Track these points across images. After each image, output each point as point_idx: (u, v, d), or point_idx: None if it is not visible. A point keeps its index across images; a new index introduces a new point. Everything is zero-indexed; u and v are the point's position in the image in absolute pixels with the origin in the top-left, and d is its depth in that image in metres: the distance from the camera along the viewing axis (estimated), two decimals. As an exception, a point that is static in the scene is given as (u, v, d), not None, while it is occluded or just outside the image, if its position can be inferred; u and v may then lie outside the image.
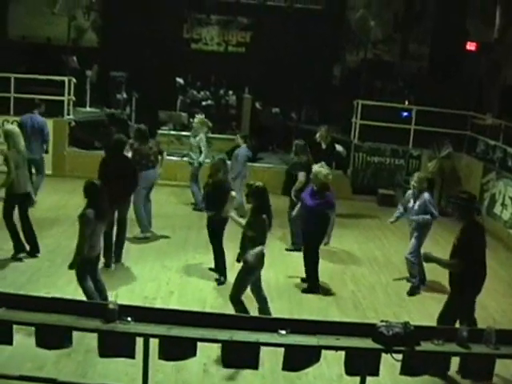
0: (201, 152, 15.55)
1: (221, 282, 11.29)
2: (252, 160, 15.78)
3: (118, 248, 11.77)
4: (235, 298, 8.94)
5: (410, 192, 11.77)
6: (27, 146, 12.37)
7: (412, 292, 11.51)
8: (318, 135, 15.11)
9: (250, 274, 8.99)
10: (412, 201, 11.57)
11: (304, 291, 11.24)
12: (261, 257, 8.93)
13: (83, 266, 9.00)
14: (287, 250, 13.37)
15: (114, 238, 11.60)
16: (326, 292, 11.28)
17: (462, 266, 8.28)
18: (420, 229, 11.52)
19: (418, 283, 11.59)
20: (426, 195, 11.46)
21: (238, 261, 9.27)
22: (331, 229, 11.23)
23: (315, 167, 11.53)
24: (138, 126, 14.02)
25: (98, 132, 18.84)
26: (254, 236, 8.90)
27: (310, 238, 11.30)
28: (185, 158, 16.62)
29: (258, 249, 8.81)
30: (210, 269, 11.73)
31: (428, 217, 11.31)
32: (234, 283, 9.15)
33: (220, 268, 11.46)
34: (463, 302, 8.54)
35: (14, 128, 12.06)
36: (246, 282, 9.05)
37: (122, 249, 11.88)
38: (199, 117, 16.42)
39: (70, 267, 9.01)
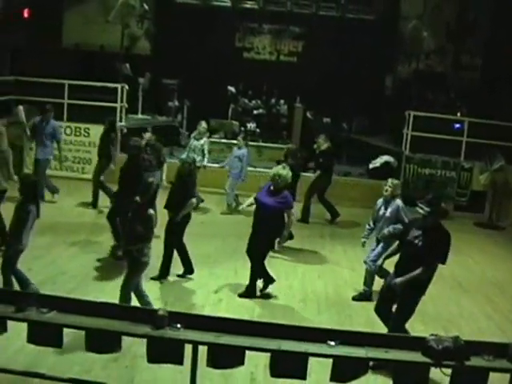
0: (204, 155, 15.92)
1: (184, 275, 11.57)
2: (303, 170, 15.83)
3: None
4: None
5: (380, 200, 11.33)
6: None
7: (359, 299, 11.36)
8: (316, 145, 16.05)
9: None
10: (383, 208, 11.17)
11: (241, 295, 11.12)
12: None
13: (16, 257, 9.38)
14: None
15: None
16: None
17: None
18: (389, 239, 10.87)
19: (369, 293, 11.37)
20: (399, 201, 11.05)
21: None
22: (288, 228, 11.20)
23: (277, 168, 11.28)
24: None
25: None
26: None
27: (266, 238, 11.07)
28: (215, 165, 16.76)
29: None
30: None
31: (400, 227, 10.54)
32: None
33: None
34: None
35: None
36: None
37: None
38: (203, 124, 16.56)
39: None
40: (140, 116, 21.11)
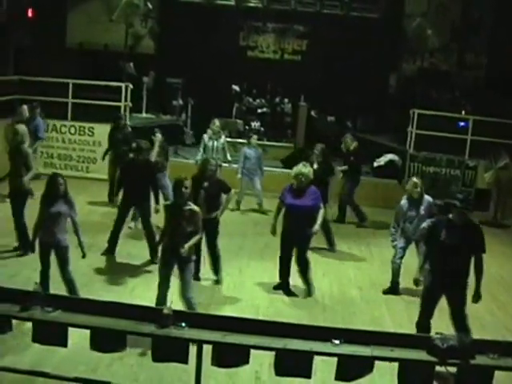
0: (225, 154, 16.07)
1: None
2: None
3: (151, 251, 12.21)
4: None
5: (404, 201, 11.36)
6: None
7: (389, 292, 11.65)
8: (343, 145, 15.79)
9: None
10: (412, 208, 11.22)
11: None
12: None
13: None
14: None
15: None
16: (380, 304, 11.21)
17: None
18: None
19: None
20: (428, 197, 11.28)
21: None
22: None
23: (298, 167, 11.21)
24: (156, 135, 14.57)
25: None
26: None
27: (308, 239, 11.12)
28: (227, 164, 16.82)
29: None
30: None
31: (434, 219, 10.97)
32: None
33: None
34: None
35: (17, 126, 12.54)
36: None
37: (156, 251, 11.94)
38: (217, 121, 16.56)
39: None
40: (144, 115, 21.14)
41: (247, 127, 20.91)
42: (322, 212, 11.08)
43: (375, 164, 18.46)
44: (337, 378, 6.38)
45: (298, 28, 24.30)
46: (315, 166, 13.06)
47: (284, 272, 11.26)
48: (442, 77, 22.64)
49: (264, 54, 24.57)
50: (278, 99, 22.84)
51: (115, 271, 11.56)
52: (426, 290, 9.10)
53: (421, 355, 6.43)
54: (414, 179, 11.51)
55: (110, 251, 12.25)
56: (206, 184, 10.92)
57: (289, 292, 11.24)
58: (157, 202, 12.21)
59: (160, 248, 9.42)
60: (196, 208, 9.11)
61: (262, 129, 21.12)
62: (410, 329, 9.63)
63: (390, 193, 17.37)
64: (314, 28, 23.75)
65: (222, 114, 20.76)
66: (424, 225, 10.17)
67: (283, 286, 11.30)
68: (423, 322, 9.02)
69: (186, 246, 8.88)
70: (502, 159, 17.29)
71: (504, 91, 19.75)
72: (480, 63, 22.85)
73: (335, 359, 6.35)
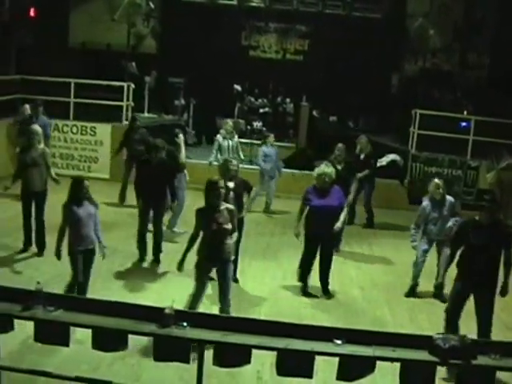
0: (239, 154, 16.15)
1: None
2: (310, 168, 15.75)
3: (155, 250, 12.23)
4: None
5: (426, 203, 11.32)
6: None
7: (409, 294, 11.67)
8: (358, 148, 15.63)
9: None
10: (435, 209, 11.20)
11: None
12: None
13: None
14: None
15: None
16: (382, 304, 11.20)
17: None
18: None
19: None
20: (450, 197, 11.35)
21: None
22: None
23: (321, 167, 11.18)
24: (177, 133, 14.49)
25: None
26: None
27: (334, 238, 11.23)
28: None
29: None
30: None
31: (458, 218, 11.10)
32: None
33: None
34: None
35: (33, 127, 12.42)
36: None
37: (160, 251, 12.18)
38: (230, 121, 16.77)
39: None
40: (146, 115, 21.12)
41: (249, 127, 20.92)
42: (345, 211, 11.20)
43: (377, 164, 18.42)
44: (338, 378, 6.37)
45: (300, 28, 24.34)
46: (339, 166, 13.03)
47: (307, 273, 11.28)
48: (444, 77, 22.63)
49: (266, 53, 24.59)
50: (279, 99, 22.88)
51: (117, 271, 11.56)
52: (454, 290, 9.14)
53: (423, 355, 6.41)
54: (436, 180, 11.44)
55: (143, 259, 12.31)
56: (231, 185, 10.78)
57: (309, 294, 11.31)
58: (173, 200, 12.28)
59: (197, 253, 9.12)
60: (232, 206, 9.08)
61: (264, 129, 21.10)
62: (412, 329, 9.66)
63: (392, 193, 17.40)
64: (316, 28, 23.78)
65: (224, 114, 20.79)
66: (450, 224, 10.24)
67: (306, 288, 11.36)
68: (452, 324, 9.09)
69: (230, 244, 8.92)
70: (504, 159, 17.29)
71: (506, 91, 19.72)
72: (482, 63, 22.84)
73: (337, 359, 6.34)
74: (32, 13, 21.33)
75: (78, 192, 9.28)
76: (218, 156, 15.59)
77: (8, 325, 6.63)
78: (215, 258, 8.93)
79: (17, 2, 20.70)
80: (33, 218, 11.98)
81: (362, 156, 15.66)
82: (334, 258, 12.30)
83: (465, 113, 20.32)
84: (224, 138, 16.02)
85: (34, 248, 12.09)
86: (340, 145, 13.75)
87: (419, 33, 20.68)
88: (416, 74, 22.85)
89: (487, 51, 22.61)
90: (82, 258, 9.34)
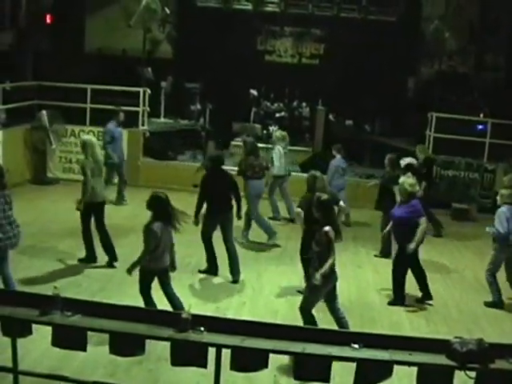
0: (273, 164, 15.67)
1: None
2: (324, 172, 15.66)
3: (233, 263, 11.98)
4: (304, 311, 8.94)
5: (504, 209, 11.18)
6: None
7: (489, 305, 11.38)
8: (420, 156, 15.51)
9: (317, 291, 8.96)
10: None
11: (389, 303, 11.21)
12: (329, 274, 8.86)
13: (143, 277, 9.13)
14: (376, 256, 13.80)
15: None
16: (399, 308, 11.15)
17: None
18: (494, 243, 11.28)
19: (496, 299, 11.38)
20: (501, 208, 11.19)
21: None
22: (422, 237, 10.84)
23: (401, 178, 11.32)
24: (245, 139, 14.82)
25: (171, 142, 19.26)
26: (320, 251, 8.87)
27: (401, 250, 10.96)
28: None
29: (325, 267, 8.77)
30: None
31: (493, 229, 11.06)
32: (304, 296, 9.16)
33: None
34: None
35: (91, 138, 12.44)
36: (314, 298, 9.02)
37: (238, 264, 11.97)
38: (279, 131, 16.71)
39: (127, 272, 9.12)
40: (162, 120, 21.19)
41: (265, 131, 20.91)
42: (421, 228, 10.80)
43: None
44: (356, 383, 6.36)
45: (315, 32, 24.31)
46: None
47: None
48: (461, 79, 22.53)
49: (282, 58, 24.56)
50: (295, 103, 22.85)
51: (133, 276, 11.58)
52: None
53: (440, 359, 6.39)
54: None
55: (214, 272, 12.18)
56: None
57: None
58: (239, 209, 12.18)
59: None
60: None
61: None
62: (429, 333, 9.63)
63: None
64: (332, 32, 23.73)
65: (240, 119, 20.82)
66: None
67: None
68: None
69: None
70: (521, 162, 17.19)
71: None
72: (498, 64, 22.74)
73: (354, 364, 6.34)
74: (48, 19, 21.48)
75: (165, 214, 8.96)
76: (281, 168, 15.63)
77: (26, 330, 6.67)
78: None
79: (33, 8, 20.81)
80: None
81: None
82: (351, 261, 12.36)
83: (481, 115, 20.22)
84: (283, 148, 15.78)
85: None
86: (388, 155, 13.91)
87: (435, 35, 20.62)
88: (432, 77, 22.75)
89: (503, 52, 22.52)
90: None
